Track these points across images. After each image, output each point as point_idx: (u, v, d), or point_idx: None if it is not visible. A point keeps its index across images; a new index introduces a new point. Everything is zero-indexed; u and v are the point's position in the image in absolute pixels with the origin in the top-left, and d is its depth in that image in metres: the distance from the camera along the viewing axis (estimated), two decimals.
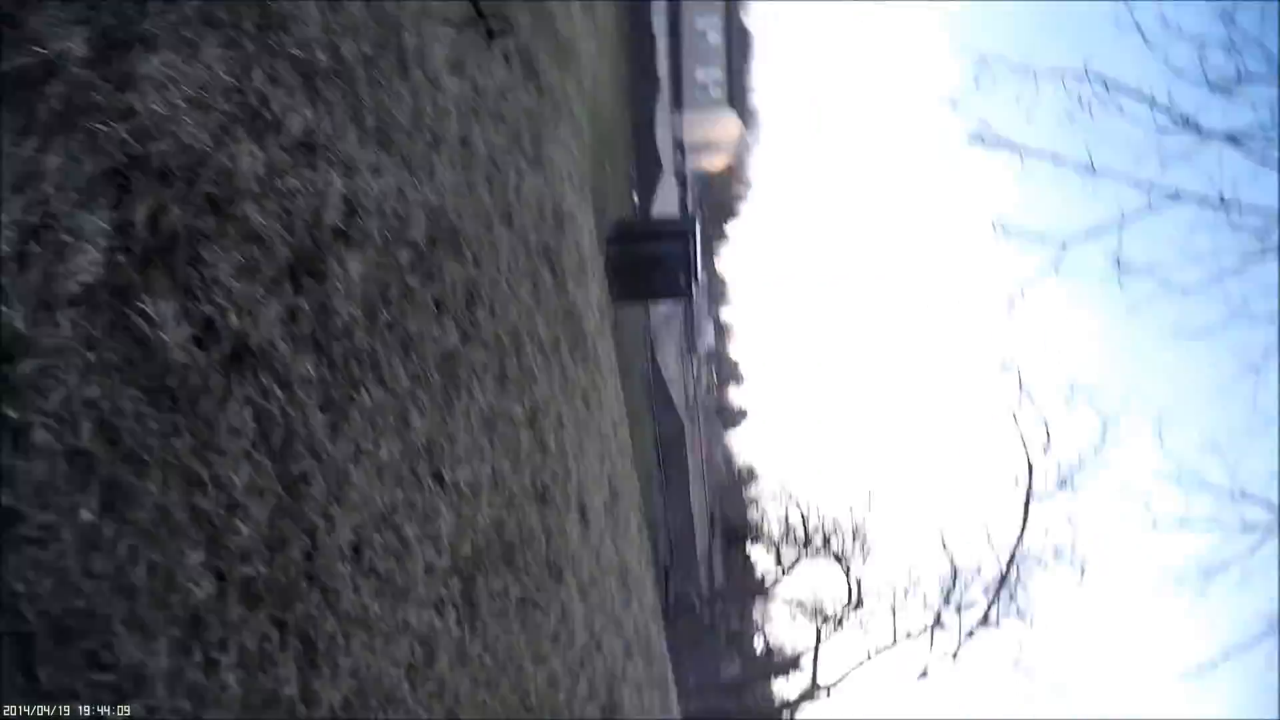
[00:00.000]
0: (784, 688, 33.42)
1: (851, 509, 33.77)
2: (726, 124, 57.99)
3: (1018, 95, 15.19)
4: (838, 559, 33.17)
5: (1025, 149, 14.95)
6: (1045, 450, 28.35)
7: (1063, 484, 28.18)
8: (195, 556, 2.76)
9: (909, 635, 30.16)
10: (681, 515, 32.41)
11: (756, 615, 40.22)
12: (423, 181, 5.55)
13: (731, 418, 62.30)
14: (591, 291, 12.43)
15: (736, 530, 41.11)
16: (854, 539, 33.15)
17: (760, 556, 40.30)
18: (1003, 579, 28.95)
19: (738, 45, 57.52)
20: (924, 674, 29.24)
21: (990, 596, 29.27)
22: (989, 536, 29.08)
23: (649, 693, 10.18)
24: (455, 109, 6.58)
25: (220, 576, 2.88)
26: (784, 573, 36.17)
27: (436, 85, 6.21)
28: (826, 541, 33.85)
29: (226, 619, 2.89)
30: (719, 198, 67.73)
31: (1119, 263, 14.04)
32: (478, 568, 5.53)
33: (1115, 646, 45.04)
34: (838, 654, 31.42)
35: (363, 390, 4.19)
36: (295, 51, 4.07)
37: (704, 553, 36.86)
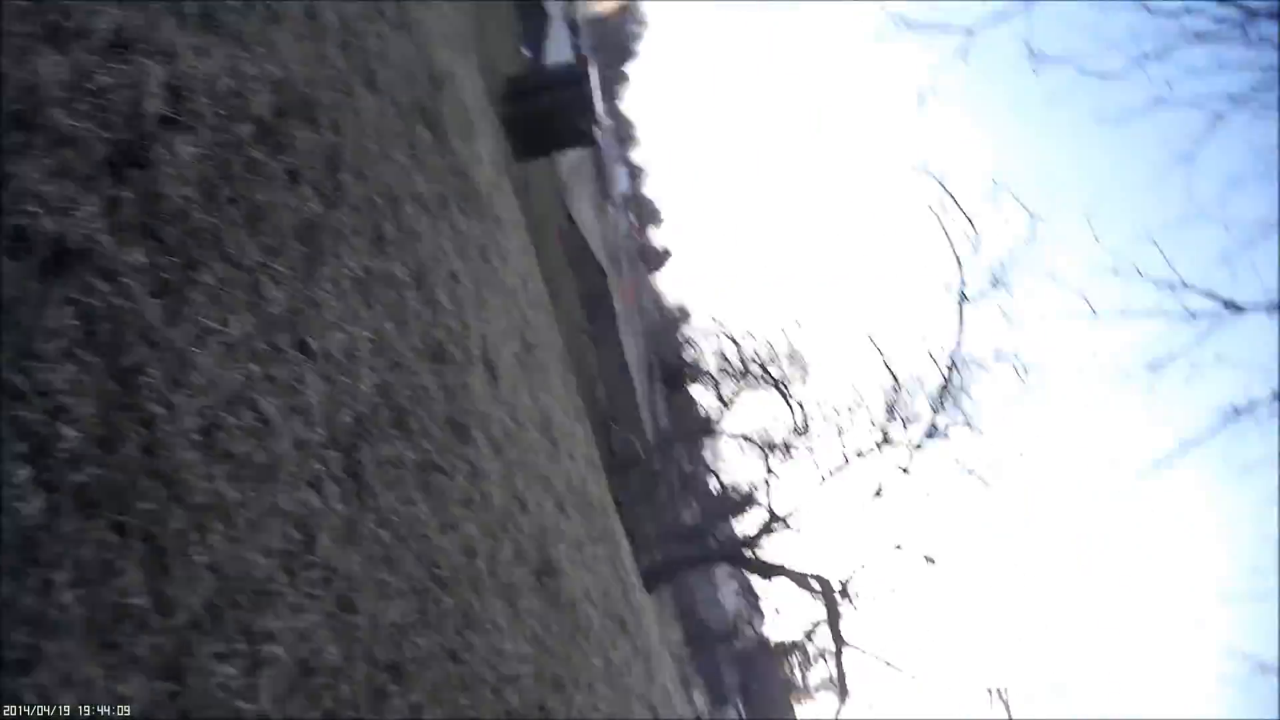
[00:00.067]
0: (743, 524, 33.77)
1: (785, 332, 33.81)
2: None
3: None
4: (778, 386, 33.26)
5: None
6: (974, 250, 28.13)
7: (995, 283, 27.97)
8: (21, 473, 2.66)
9: (859, 454, 30.32)
10: (616, 364, 32.33)
11: (707, 455, 40.63)
12: (261, 57, 5.30)
13: (656, 259, 62.05)
14: (482, 147, 12.20)
15: (675, 372, 41.17)
16: (792, 363, 33.24)
17: (702, 395, 40.51)
18: (945, 386, 29.01)
19: None
20: (878, 493, 29.52)
21: (935, 406, 29.35)
22: (927, 344, 29.02)
23: (591, 547, 9.94)
24: None
25: (50, 488, 2.76)
26: (727, 408, 36.40)
27: None
28: (764, 370, 33.92)
29: (60, 533, 2.74)
30: (614, 39, 66.26)
31: (1031, 50, 13.60)
32: (361, 437, 5.15)
33: (1068, 447, 45.93)
34: (791, 482, 31.63)
35: (203, 269, 4.00)
36: None
37: (645, 399, 36.94)
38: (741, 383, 35.49)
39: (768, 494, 31.91)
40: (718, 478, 38.30)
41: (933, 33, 14.65)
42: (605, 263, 32.32)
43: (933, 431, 29.27)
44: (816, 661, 41.22)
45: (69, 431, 2.89)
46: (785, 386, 32.98)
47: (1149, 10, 12.93)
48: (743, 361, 35.29)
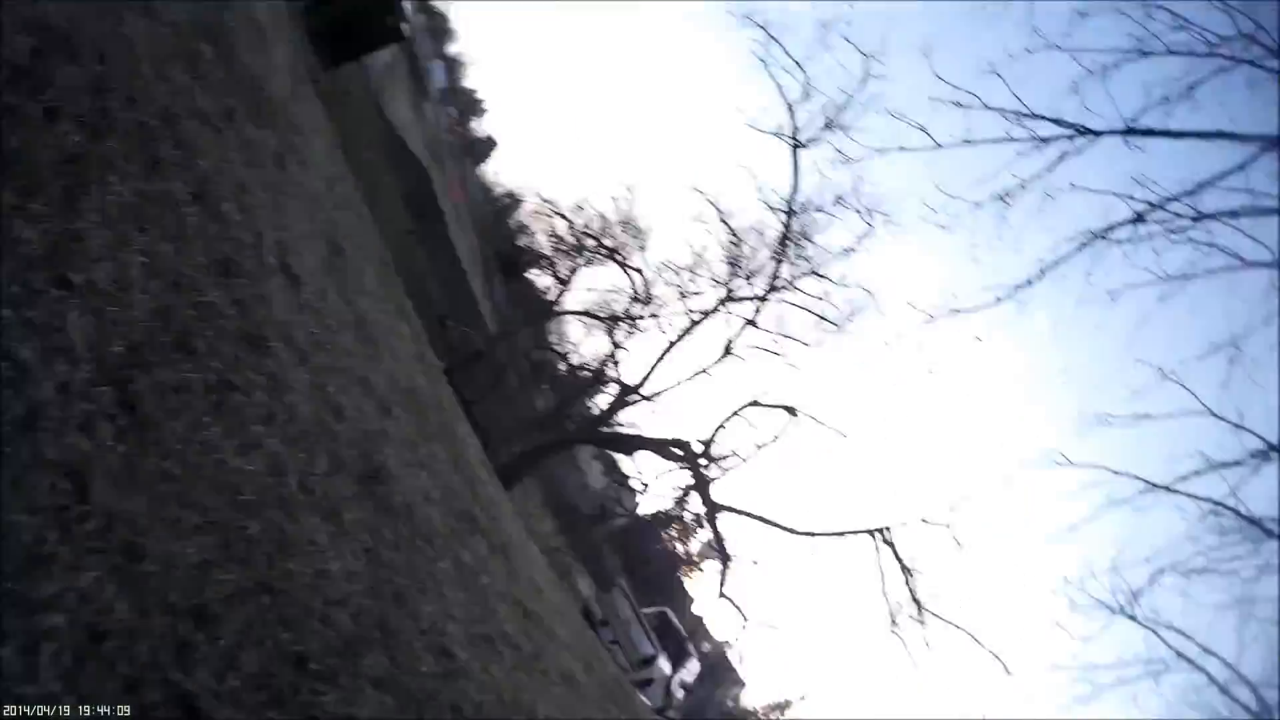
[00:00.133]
0: (597, 402, 33.79)
1: (617, 201, 33.57)
2: None
3: None
4: (614, 256, 33.14)
5: None
6: (805, 94, 28.04)
7: (829, 126, 28.02)
8: None
9: (705, 315, 30.45)
10: (446, 259, 31.75)
11: (553, 339, 40.42)
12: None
13: (481, 150, 60.77)
14: (280, 57, 11.80)
15: (511, 259, 40.67)
16: (626, 231, 33.11)
17: (541, 279, 40.14)
18: (785, 235, 29.19)
19: None
20: (728, 351, 29.74)
21: (777, 256, 29.53)
22: (763, 195, 29.10)
23: (427, 446, 9.60)
24: None
25: None
26: (567, 287, 36.18)
27: None
28: (599, 242, 33.75)
29: None
30: None
31: None
32: (137, 366, 4.73)
33: (923, 283, 46.86)
34: (641, 353, 31.68)
35: None
36: None
37: (484, 291, 36.43)
38: (578, 259, 35.32)
39: (617, 368, 31.99)
40: (566, 360, 38.18)
41: None
42: (427, 160, 31.54)
43: (774, 283, 29.52)
44: (695, 530, 42.10)
45: None
46: (622, 256, 32.87)
47: None
48: (576, 237, 35.07)
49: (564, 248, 36.30)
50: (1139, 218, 13.87)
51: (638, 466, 31.97)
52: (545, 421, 32.30)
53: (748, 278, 30.40)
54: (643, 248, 33.41)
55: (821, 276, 29.68)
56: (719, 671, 46.89)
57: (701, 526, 32.95)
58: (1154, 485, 14.72)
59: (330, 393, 7.20)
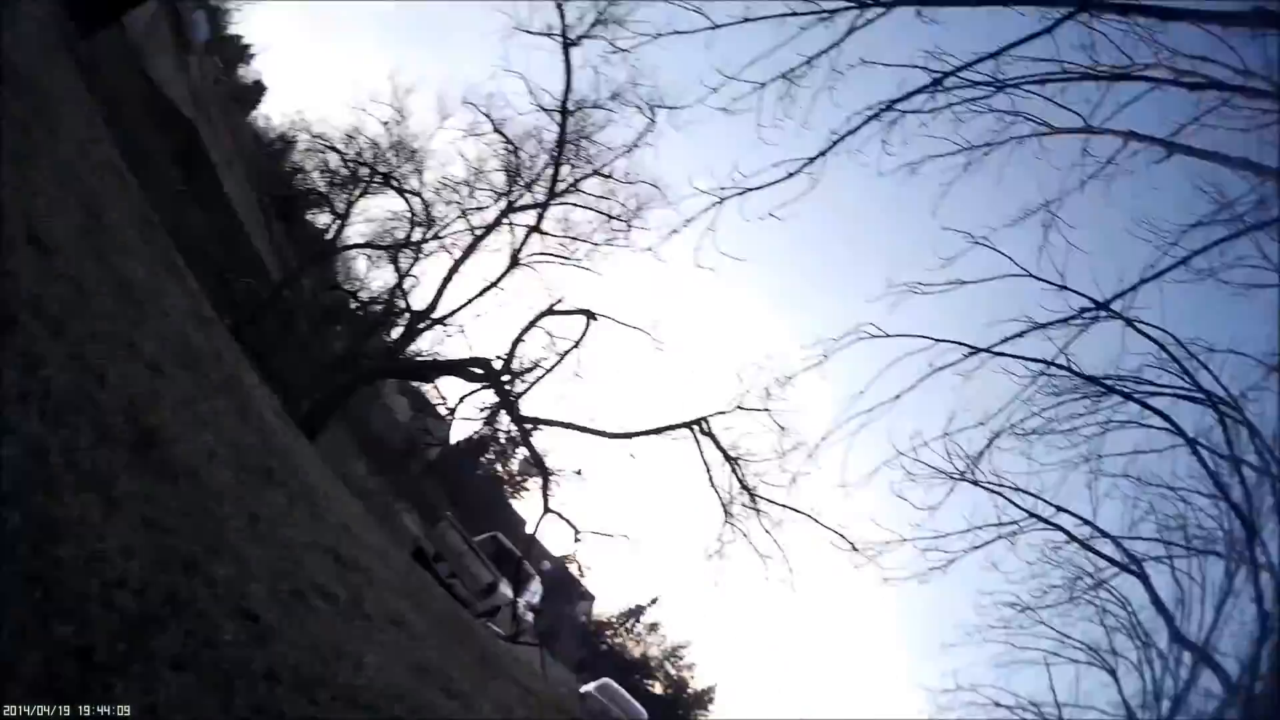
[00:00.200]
0: (391, 335, 33.11)
1: (388, 126, 32.72)
2: None
3: None
4: (389, 182, 32.40)
5: None
6: None
7: (601, 20, 27.53)
8: None
9: (489, 230, 30.05)
10: (224, 214, 30.57)
11: (339, 277, 39.48)
12: None
13: (251, 96, 58.15)
14: (23, 29, 11.21)
15: (289, 204, 39.34)
16: (400, 155, 32.37)
17: (321, 218, 39.02)
18: (563, 137, 28.85)
19: None
20: (515, 262, 29.44)
21: (556, 160, 29.19)
22: (537, 98, 28.53)
23: (209, 402, 9.08)
24: None
25: None
26: (346, 222, 35.31)
27: None
28: (373, 170, 32.95)
29: None
30: None
31: None
32: None
33: (712, 169, 46.96)
34: (430, 277, 31.17)
35: None
36: None
37: (266, 241, 35.24)
38: (354, 191, 34.46)
39: (407, 297, 31.41)
40: (355, 297, 37.31)
41: None
42: (194, 115, 30.05)
43: (555, 186, 29.23)
44: (512, 449, 42.06)
45: None
46: (398, 181, 32.13)
47: None
48: (349, 168, 34.17)
49: (339, 181, 35.46)
50: (935, 84, 13.92)
51: (442, 393, 31.58)
52: (342, 363, 31.47)
53: (528, 186, 30.10)
54: (419, 170, 32.68)
55: (605, 175, 29.57)
56: (565, 588, 47.41)
57: (517, 445, 32.85)
58: (977, 349, 15.00)
59: (91, 361, 6.69)
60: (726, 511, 27.08)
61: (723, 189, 13.70)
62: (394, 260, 32.20)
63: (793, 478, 23.46)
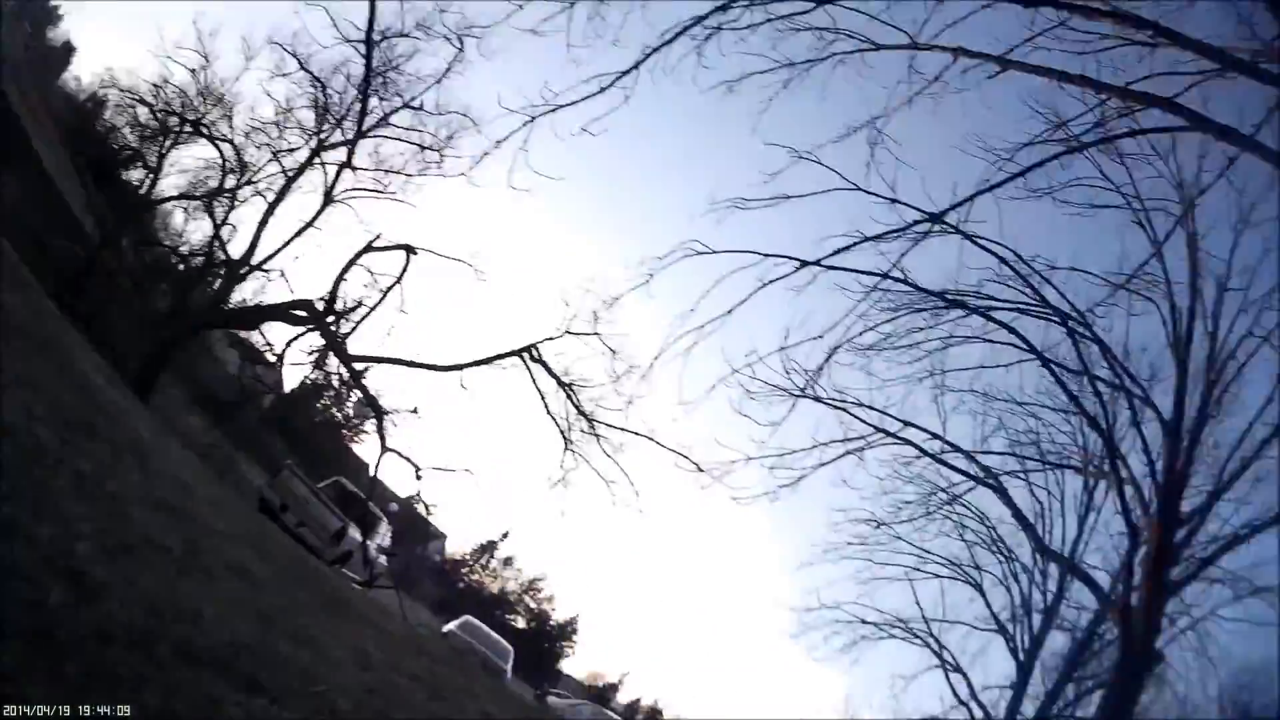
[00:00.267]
0: (213, 285, 32.14)
1: (195, 73, 31.69)
2: None
3: None
4: (198, 130, 31.48)
5: None
6: None
7: None
8: None
9: (301, 170, 29.48)
10: (38, 181, 29.34)
11: (158, 233, 38.30)
12: None
13: (58, 59, 55.18)
14: None
15: (104, 162, 37.73)
16: (208, 101, 31.50)
17: (136, 174, 37.61)
18: (369, 71, 28.28)
19: None
20: (329, 200, 28.89)
21: (364, 94, 28.72)
22: (342, 32, 27.83)
23: (26, 363, 8.65)
24: None
25: None
26: (159, 175, 34.26)
27: None
28: (181, 118, 32.02)
29: None
30: None
31: None
32: None
33: (524, 93, 46.30)
34: (249, 226, 30.38)
35: None
36: None
37: (83, 203, 33.87)
38: (165, 142, 33.47)
39: (225, 246, 30.67)
40: (175, 251, 36.18)
41: None
42: (3, 81, 28.51)
43: (364, 122, 28.76)
44: (346, 392, 41.36)
45: None
46: (207, 128, 31.23)
47: None
48: (158, 120, 33.07)
49: (150, 135, 34.62)
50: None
51: (269, 341, 30.87)
52: (168, 319, 30.46)
53: (338, 122, 29.63)
54: (228, 115, 31.83)
55: (415, 108, 29.22)
56: (415, 529, 47.06)
57: (351, 388, 32.35)
58: (806, 262, 15.03)
59: None
60: (566, 439, 27.25)
61: (533, 107, 13.42)
62: (209, 210, 31.57)
63: (629, 400, 23.58)
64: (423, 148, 29.48)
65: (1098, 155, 16.85)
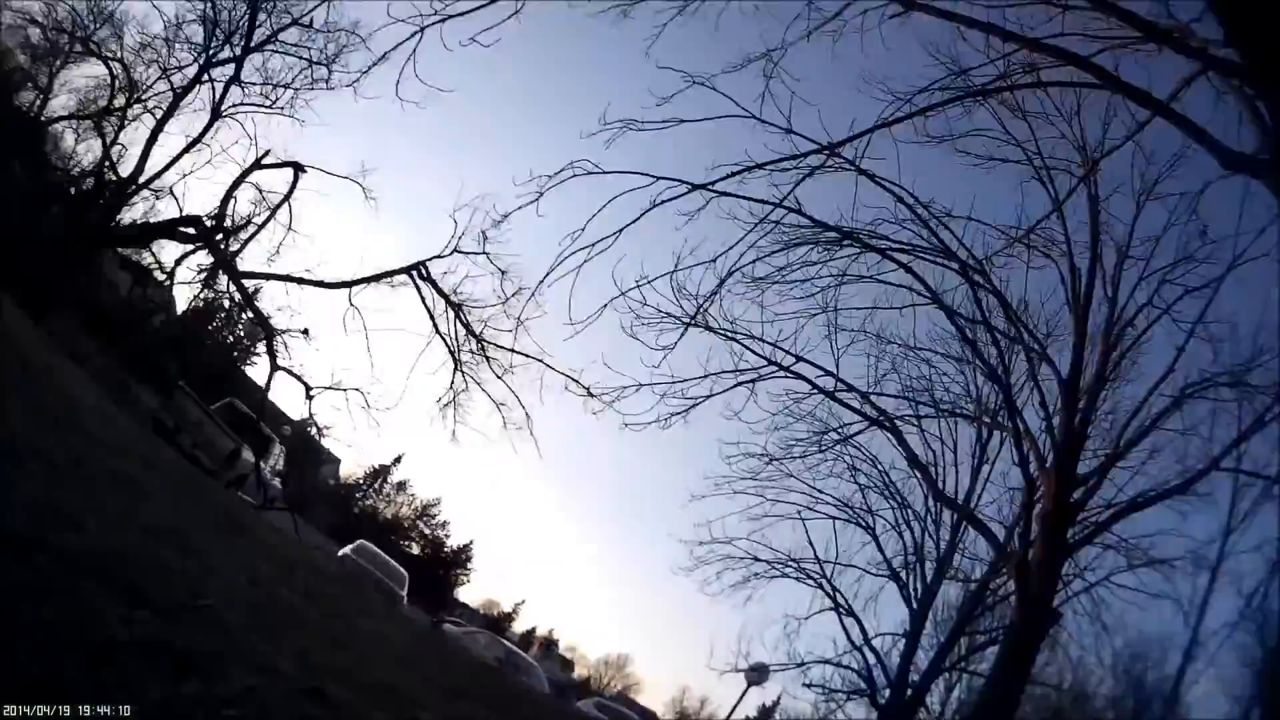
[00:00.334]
0: (103, 206, 31.18)
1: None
2: None
3: None
4: (88, 47, 30.63)
5: None
6: None
7: None
8: None
9: (190, 87, 28.93)
10: None
11: (50, 155, 37.04)
12: None
13: None
14: None
15: None
16: (96, 19, 30.70)
17: (24, 96, 36.30)
18: None
19: None
20: (217, 115, 28.35)
21: (252, 5, 28.13)
22: None
23: None
24: None
25: None
26: (49, 95, 33.86)
27: None
28: (72, 36, 31.22)
29: None
30: None
31: None
32: None
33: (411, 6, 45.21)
34: (136, 146, 29.61)
35: None
36: None
37: None
38: (55, 62, 32.56)
39: (115, 167, 29.91)
40: (66, 173, 35.09)
41: None
42: None
43: (250, 40, 28.23)
44: (238, 312, 40.55)
45: None
46: (98, 46, 30.49)
47: None
48: (49, 39, 32.31)
49: (40, 55, 33.95)
50: None
51: (160, 262, 30.22)
52: (60, 243, 29.57)
53: (227, 38, 29.07)
54: (118, 34, 30.98)
55: (304, 25, 28.79)
56: (308, 453, 46.41)
57: (242, 307, 31.84)
58: (697, 185, 14.79)
59: None
60: (455, 359, 27.10)
61: (422, 17, 13.02)
62: (100, 129, 30.98)
63: (519, 322, 23.35)
64: (311, 62, 29.08)
65: (1000, 109, 16.87)
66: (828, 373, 20.51)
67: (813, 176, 14.97)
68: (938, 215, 17.97)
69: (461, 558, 72.61)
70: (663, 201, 14.44)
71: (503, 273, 26.58)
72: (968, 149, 16.92)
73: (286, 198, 27.04)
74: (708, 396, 18.80)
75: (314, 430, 30.21)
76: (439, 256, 27.01)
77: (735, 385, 19.37)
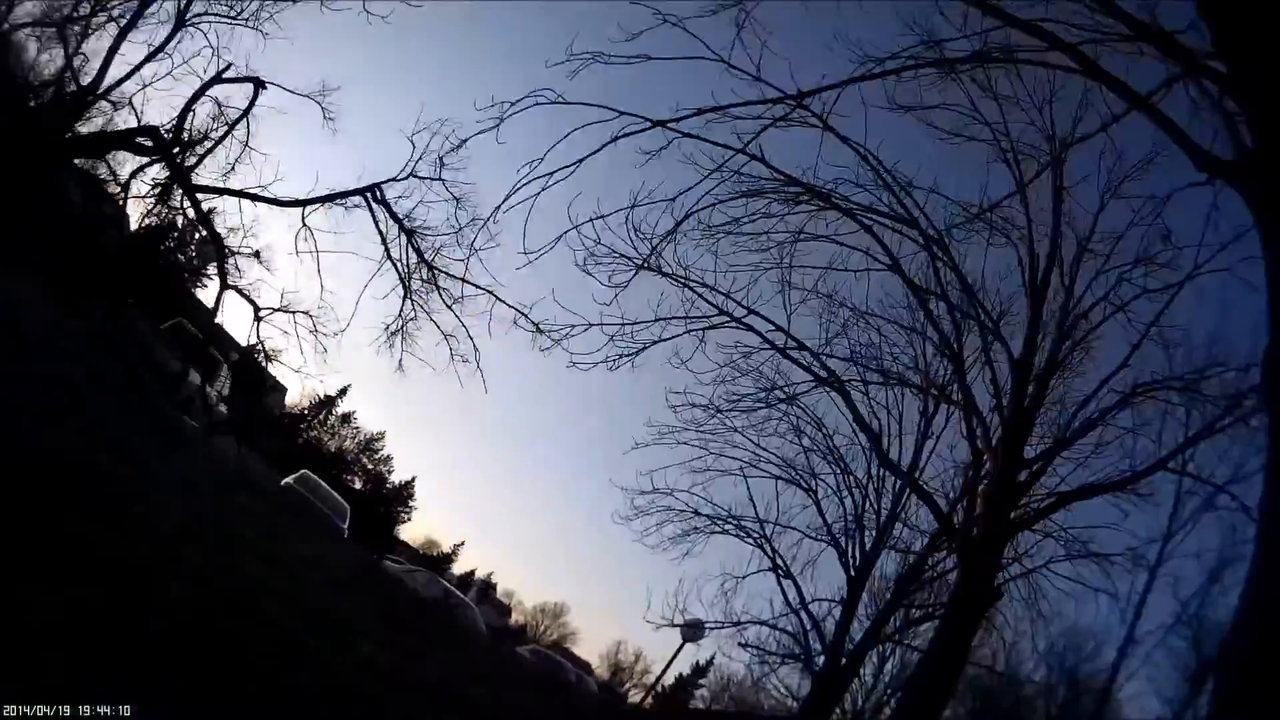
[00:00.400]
0: (58, 115, 30.40)
1: None
2: None
3: None
4: None
5: None
6: None
7: None
8: None
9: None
10: None
11: (11, 66, 36.06)
12: None
13: None
14: None
15: None
16: None
17: None
18: None
19: None
20: (181, 23, 27.63)
21: None
22: None
23: None
24: None
25: None
26: (12, 5, 32.11)
27: None
28: None
29: None
30: None
31: None
32: None
33: None
34: (94, 51, 28.86)
35: None
36: None
37: None
38: None
39: (76, 76, 29.09)
40: (27, 80, 34.15)
41: None
42: None
43: None
44: (191, 231, 39.72)
45: None
46: None
47: None
48: None
49: None
50: None
51: (116, 176, 29.48)
52: (15, 153, 28.81)
53: None
54: None
55: None
56: (255, 380, 45.75)
57: (195, 225, 31.08)
58: (657, 122, 14.48)
59: None
60: (405, 285, 26.69)
61: None
62: (63, 37, 29.58)
63: (472, 249, 22.94)
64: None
65: (972, 86, 16.72)
66: (779, 328, 20.27)
67: (777, 126, 14.77)
68: (901, 182, 17.80)
69: (403, 495, 72.03)
70: (624, 134, 14.17)
71: (457, 200, 26.06)
72: (936, 123, 16.73)
73: (245, 113, 26.41)
74: (656, 341, 18.50)
75: (261, 354, 29.67)
76: (395, 180, 26.42)
77: (686, 332, 19.06)
